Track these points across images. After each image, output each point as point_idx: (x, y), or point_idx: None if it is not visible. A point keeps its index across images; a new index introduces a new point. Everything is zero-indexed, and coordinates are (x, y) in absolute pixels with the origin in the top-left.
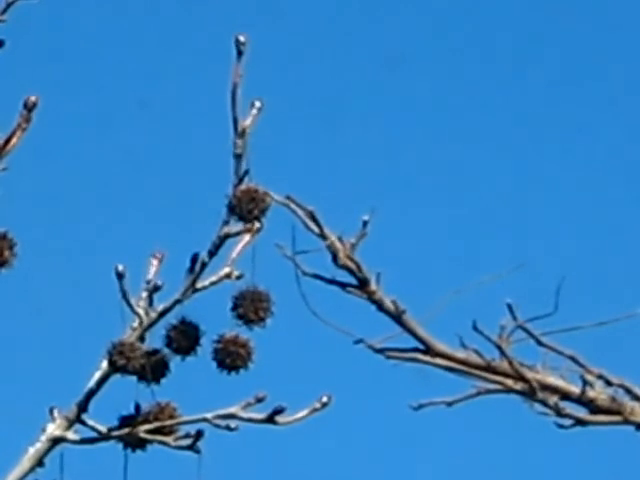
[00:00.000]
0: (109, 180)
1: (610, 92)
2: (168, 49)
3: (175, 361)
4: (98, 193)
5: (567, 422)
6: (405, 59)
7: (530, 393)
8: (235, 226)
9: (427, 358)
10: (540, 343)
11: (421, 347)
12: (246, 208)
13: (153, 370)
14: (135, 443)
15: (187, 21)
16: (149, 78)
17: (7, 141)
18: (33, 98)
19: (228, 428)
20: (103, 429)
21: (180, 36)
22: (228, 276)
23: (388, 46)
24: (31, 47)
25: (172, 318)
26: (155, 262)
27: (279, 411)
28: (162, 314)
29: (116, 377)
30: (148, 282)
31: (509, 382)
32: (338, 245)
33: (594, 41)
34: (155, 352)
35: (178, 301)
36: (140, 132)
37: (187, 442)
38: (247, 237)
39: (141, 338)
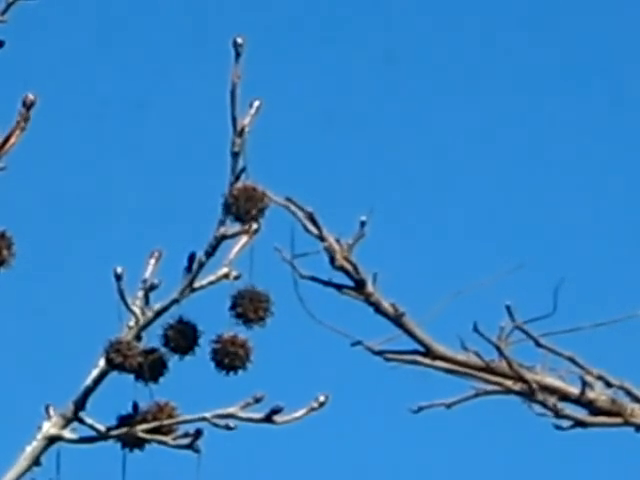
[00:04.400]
0: (107, 179)
1: (609, 92)
2: (167, 49)
3: (173, 361)
4: (96, 192)
5: (566, 423)
6: (405, 57)
7: (529, 394)
8: (232, 227)
9: (426, 360)
10: (539, 344)
11: (420, 349)
12: (244, 208)
13: (150, 369)
14: (133, 442)
15: (187, 21)
16: (148, 78)
17: (6, 140)
18: (31, 97)
19: (227, 427)
20: (101, 428)
21: (180, 36)
22: (226, 276)
23: (387, 45)
24: (31, 47)
25: (169, 318)
26: (152, 261)
27: (277, 411)
28: (159, 313)
29: (114, 377)
30: (144, 281)
31: (508, 383)
32: (335, 246)
33: (598, 40)
34: (152, 351)
35: (175, 300)
36: (138, 131)
37: (186, 441)
38: (245, 238)
39: (138, 337)
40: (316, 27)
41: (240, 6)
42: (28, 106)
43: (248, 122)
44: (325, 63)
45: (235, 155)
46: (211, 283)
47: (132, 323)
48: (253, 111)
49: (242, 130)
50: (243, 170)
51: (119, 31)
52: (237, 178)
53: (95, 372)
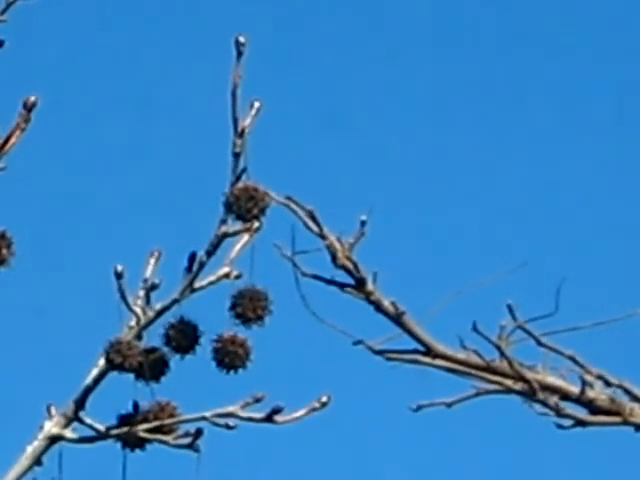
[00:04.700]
0: (107, 179)
1: (610, 92)
2: (168, 49)
3: (174, 360)
4: (96, 192)
5: (567, 422)
6: (405, 57)
7: (530, 393)
8: (233, 225)
9: (427, 359)
10: (540, 343)
11: (421, 348)
12: (245, 207)
13: (151, 368)
14: (134, 442)
15: (187, 21)
16: (149, 78)
17: (6, 141)
18: (33, 98)
19: (227, 427)
20: (101, 428)
21: (180, 36)
22: (227, 276)
23: (387, 44)
24: (31, 47)
25: (170, 317)
26: (152, 261)
27: (277, 410)
28: (160, 313)
29: (115, 376)
30: (145, 281)
31: (509, 382)
32: (337, 245)
33: (597, 42)
34: (153, 350)
35: (176, 300)
36: (139, 131)
37: (186, 441)
38: (246, 236)
39: (138, 337)
40: (316, 27)
41: (241, 7)
42: (29, 108)
43: (249, 123)
44: (325, 63)
45: (236, 156)
46: (211, 283)
47: (133, 323)
48: (254, 112)
49: (243, 131)
50: (244, 170)
51: (119, 31)
52: (238, 178)
53: (95, 371)
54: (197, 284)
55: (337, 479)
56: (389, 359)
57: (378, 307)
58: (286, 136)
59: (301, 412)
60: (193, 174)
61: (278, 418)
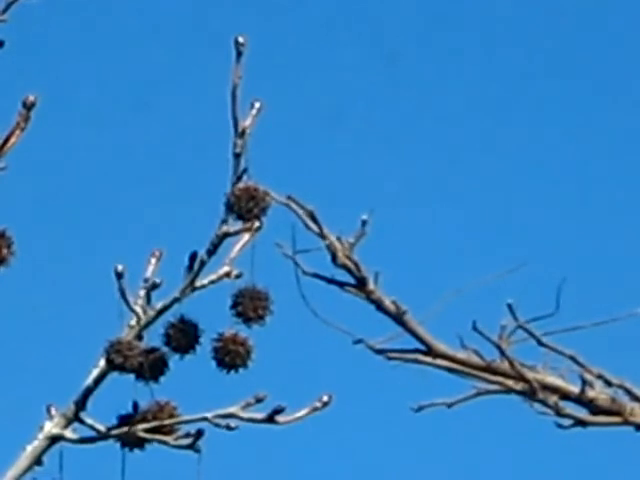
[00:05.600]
0: (108, 179)
1: (611, 92)
2: (168, 49)
3: (174, 360)
4: (96, 191)
5: (567, 422)
6: (405, 57)
7: (530, 393)
8: (234, 225)
9: (428, 359)
10: (540, 343)
11: (421, 348)
12: (245, 207)
13: (151, 368)
14: (134, 442)
15: (187, 21)
16: (149, 78)
17: (6, 140)
18: (32, 97)
19: (228, 427)
20: (102, 428)
21: (180, 36)
22: (227, 275)
23: (387, 44)
24: (31, 47)
25: (171, 317)
26: (153, 260)
27: (279, 411)
28: (160, 312)
29: (115, 376)
30: (146, 280)
31: (509, 382)
32: (337, 245)
33: (598, 42)
34: (153, 350)
35: (177, 299)
36: (139, 131)
37: (187, 441)
38: (246, 236)
39: (139, 337)
40: (316, 27)
41: (240, 6)
42: (28, 107)
43: (249, 123)
44: (326, 63)
45: (237, 156)
46: (212, 282)
47: (134, 322)
48: (254, 112)
49: (243, 131)
50: (245, 171)
51: (119, 31)
52: (239, 179)
53: (96, 372)
54: (198, 283)
55: (337, 479)
56: (390, 358)
57: (379, 306)
58: (286, 136)
59: (302, 412)
60: (194, 174)
61: (279, 418)
